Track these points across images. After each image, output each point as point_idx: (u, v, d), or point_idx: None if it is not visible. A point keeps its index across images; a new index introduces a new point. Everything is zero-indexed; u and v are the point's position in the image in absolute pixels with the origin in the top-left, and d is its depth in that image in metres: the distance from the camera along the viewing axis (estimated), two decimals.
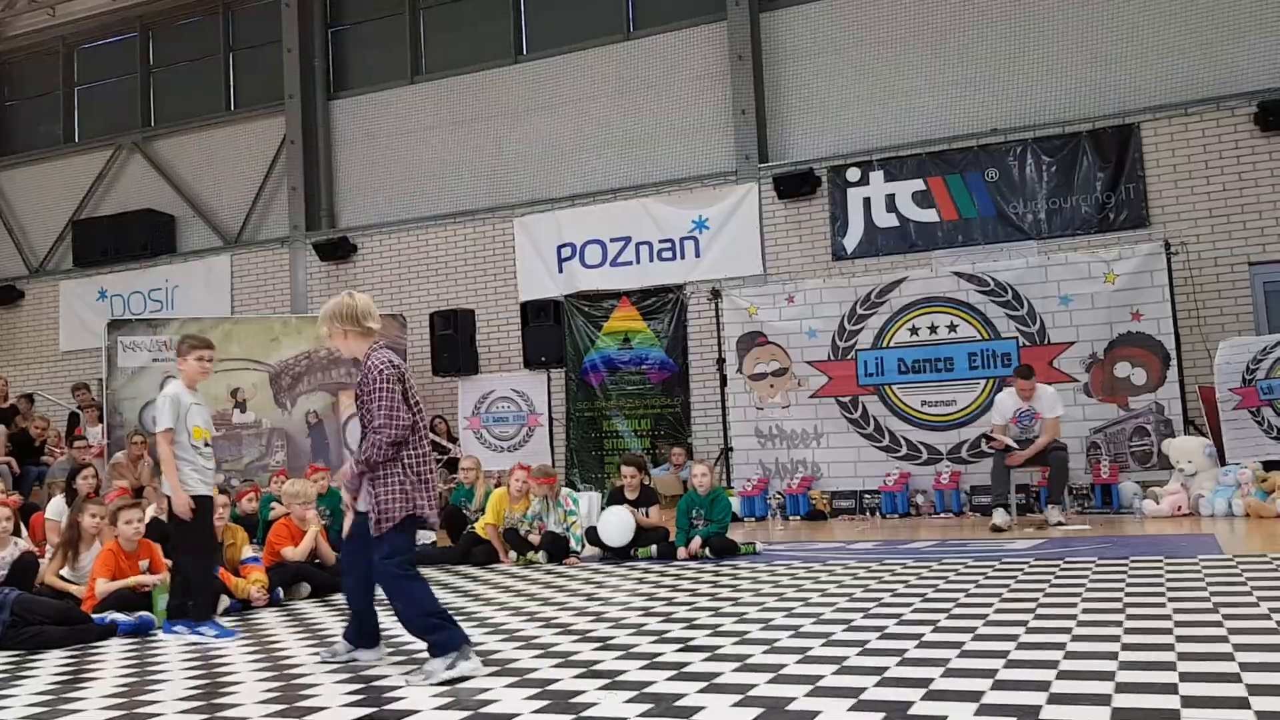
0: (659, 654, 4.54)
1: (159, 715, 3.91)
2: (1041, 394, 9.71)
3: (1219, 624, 4.47)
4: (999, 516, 9.22)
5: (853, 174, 12.34)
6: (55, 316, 16.75)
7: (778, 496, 11.49)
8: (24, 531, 7.81)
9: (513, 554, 8.79)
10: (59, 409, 14.84)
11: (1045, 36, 11.98)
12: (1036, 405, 9.66)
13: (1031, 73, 11.99)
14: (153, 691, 4.40)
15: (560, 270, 13.75)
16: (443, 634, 4.39)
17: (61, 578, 6.67)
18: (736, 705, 3.55)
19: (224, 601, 6.70)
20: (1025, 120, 11.85)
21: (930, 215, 12.00)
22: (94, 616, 6.06)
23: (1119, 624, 4.61)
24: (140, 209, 16.34)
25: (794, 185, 12.48)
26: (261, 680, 4.50)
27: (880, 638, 4.63)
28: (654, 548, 8.49)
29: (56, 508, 8.47)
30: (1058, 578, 6.19)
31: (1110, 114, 11.51)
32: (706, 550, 8.25)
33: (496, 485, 9.68)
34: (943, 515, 10.79)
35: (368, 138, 15.38)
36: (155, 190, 16.53)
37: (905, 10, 12.61)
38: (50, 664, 5.20)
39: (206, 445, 5.97)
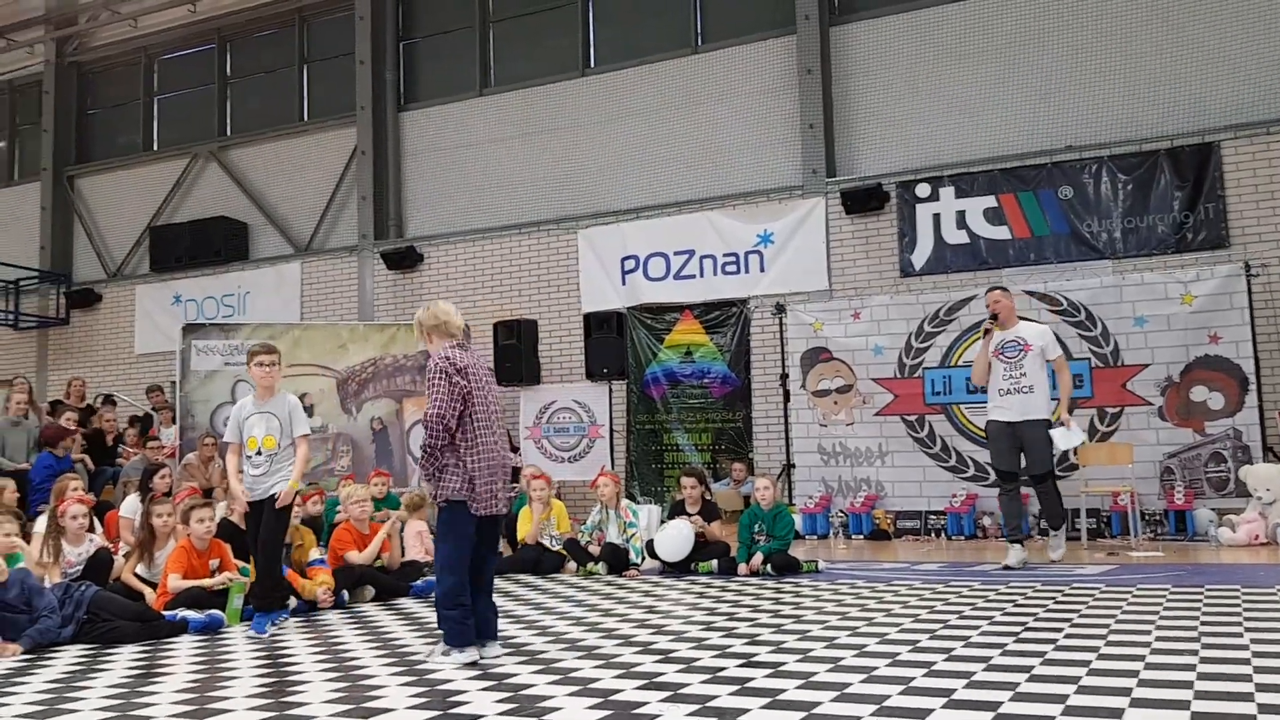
0: (721, 668, 4.52)
1: (229, 711, 3.97)
2: (1026, 326, 8.54)
3: None
4: (1014, 555, 8.12)
5: (922, 189, 12.21)
6: (131, 320, 17.11)
7: (840, 515, 11.39)
8: (99, 529, 7.95)
9: (572, 564, 8.82)
10: (133, 410, 15.14)
11: (1122, 52, 11.78)
12: (1024, 335, 8.33)
13: (1107, 89, 11.79)
14: (223, 688, 4.46)
15: (623, 282, 13.77)
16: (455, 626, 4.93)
17: (138, 576, 6.80)
18: None
19: (291, 602, 6.79)
20: (1101, 137, 11.65)
21: (1002, 232, 11.83)
22: (166, 613, 6.17)
23: (1194, 653, 4.50)
24: (215, 216, 16.65)
25: (862, 200, 12.38)
26: (328, 680, 4.55)
27: (947, 659, 4.57)
28: (715, 562, 8.44)
29: (131, 506, 8.64)
30: (1130, 604, 6.06)
31: (1189, 132, 11.28)
32: (768, 567, 8.20)
33: (556, 496, 9.72)
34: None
35: (436, 149, 15.55)
36: (230, 198, 16.85)
37: (978, 24, 12.48)
38: (124, 659, 5.30)
39: (258, 454, 6.16)
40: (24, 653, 5.48)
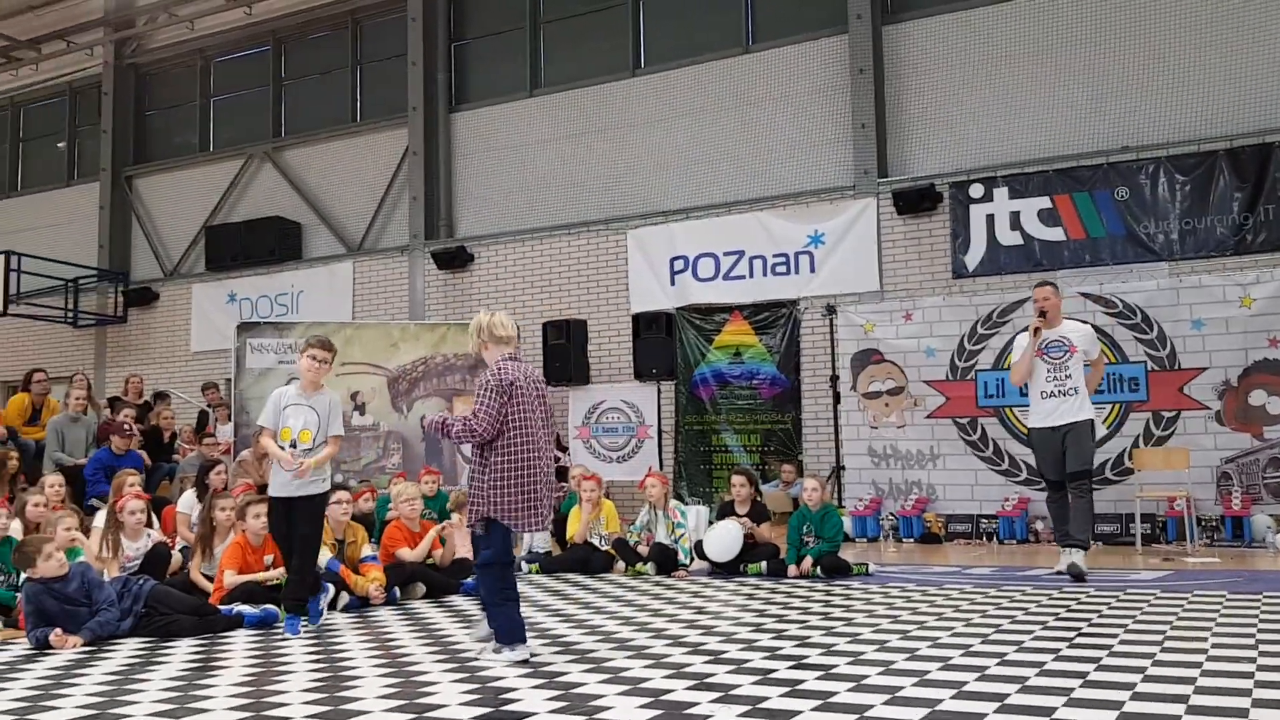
0: (772, 670, 4.51)
1: (285, 705, 4.02)
2: (1071, 326, 8.19)
3: None
4: (1071, 558, 7.55)
5: (976, 190, 12.09)
6: (188, 318, 17.38)
7: (890, 518, 11.32)
8: (155, 524, 8.09)
9: (621, 564, 8.84)
10: (189, 407, 15.38)
11: (1180, 51, 11.58)
12: (1070, 336, 8.00)
13: (1165, 89, 11.60)
14: (279, 682, 4.52)
15: (672, 283, 13.77)
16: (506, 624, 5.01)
17: (202, 574, 6.92)
18: None
19: (343, 598, 6.87)
20: (1158, 138, 11.47)
21: (1056, 234, 11.68)
22: (221, 608, 6.26)
23: (1252, 660, 4.43)
24: (269, 216, 16.87)
25: (914, 201, 12.28)
26: (381, 676, 4.60)
27: (999, 664, 4.53)
28: (764, 564, 8.42)
29: (187, 501, 8.79)
30: (1186, 611, 5.98)
31: (1249, 132, 11.07)
32: (818, 569, 8.16)
33: (606, 496, 9.74)
34: None
35: (486, 149, 15.64)
36: (283, 198, 17.06)
37: (1032, 23, 12.33)
38: (180, 652, 5.39)
39: (292, 446, 6.03)
40: (84, 645, 5.59)
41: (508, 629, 4.98)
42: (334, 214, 16.64)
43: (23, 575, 6.29)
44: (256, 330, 13.19)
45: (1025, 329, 8.21)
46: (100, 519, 7.64)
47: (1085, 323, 8.75)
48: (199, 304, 17.25)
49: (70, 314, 17.46)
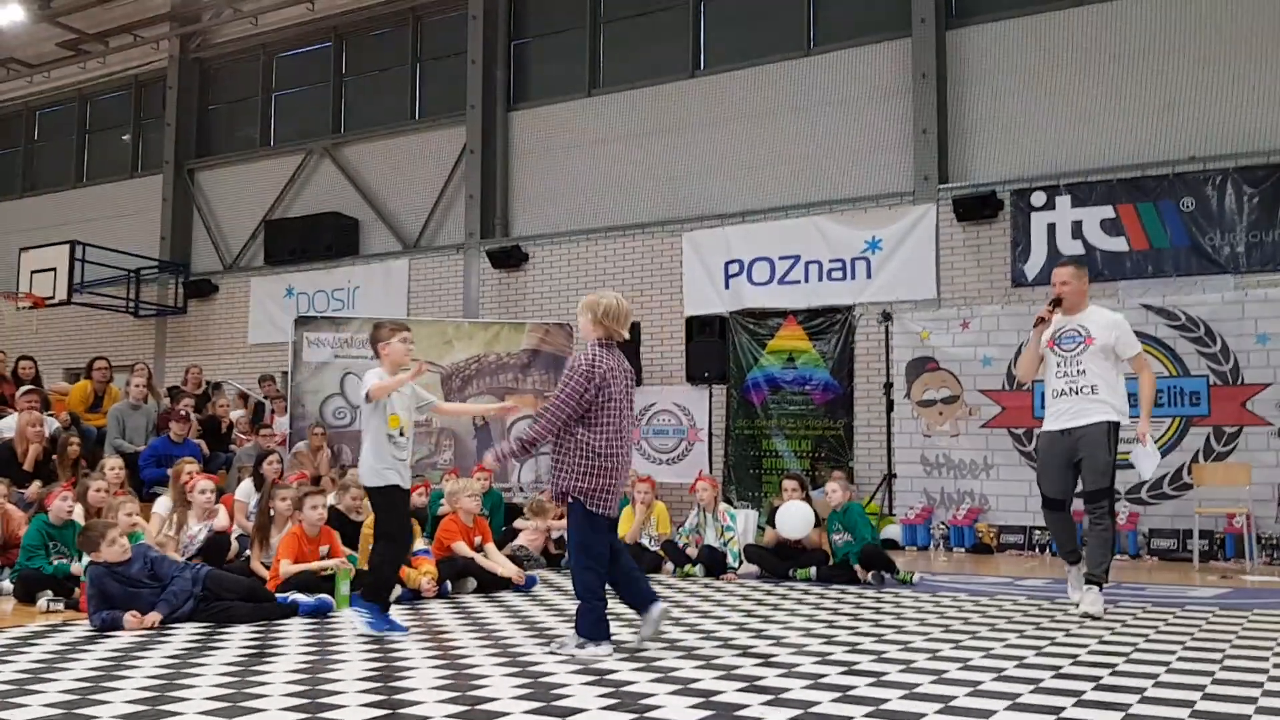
0: (823, 675, 4.49)
1: (340, 693, 4.06)
2: (1095, 314, 6.74)
3: None
4: (1085, 600, 6.46)
5: (1038, 198, 11.94)
6: (246, 311, 17.61)
7: (941, 527, 11.21)
8: (221, 512, 8.16)
9: (669, 565, 8.86)
10: (247, 399, 15.58)
11: (1249, 60, 11.37)
12: (1089, 325, 6.64)
13: (1234, 98, 11.40)
14: (333, 670, 4.57)
15: (727, 286, 13.74)
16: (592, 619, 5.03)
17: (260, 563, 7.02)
18: None
19: (396, 590, 6.92)
20: (1226, 148, 11.27)
21: (1119, 244, 11.51)
22: (277, 596, 6.34)
23: None
24: (327, 211, 17.05)
25: (974, 208, 12.16)
26: (434, 668, 4.63)
27: (1054, 677, 4.48)
28: (813, 569, 8.41)
29: (245, 490, 8.92)
30: (1246, 629, 5.87)
31: None
32: (869, 576, 8.14)
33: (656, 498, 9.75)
34: (1118, 557, 10.32)
35: (544, 149, 15.70)
36: (341, 194, 17.24)
37: (1099, 29, 12.16)
38: (237, 639, 5.47)
39: (401, 435, 5.82)
40: (161, 619, 5.71)
41: (595, 625, 5.04)
42: (391, 211, 16.79)
43: (85, 558, 6.42)
44: (313, 324, 13.34)
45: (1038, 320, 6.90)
46: (162, 504, 7.77)
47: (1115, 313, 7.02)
48: (257, 297, 17.48)
49: (132, 304, 17.77)
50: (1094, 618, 6.20)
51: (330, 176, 17.43)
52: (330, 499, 7.92)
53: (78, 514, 7.29)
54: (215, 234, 18.43)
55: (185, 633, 5.63)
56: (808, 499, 8.98)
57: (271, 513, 7.29)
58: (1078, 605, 6.47)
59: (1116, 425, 6.44)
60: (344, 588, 6.62)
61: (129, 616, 5.69)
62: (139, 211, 18.98)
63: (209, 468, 10.25)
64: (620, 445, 5.18)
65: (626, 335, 5.32)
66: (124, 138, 20.07)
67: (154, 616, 5.74)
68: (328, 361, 12.94)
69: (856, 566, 8.21)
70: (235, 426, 12.48)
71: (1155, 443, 6.67)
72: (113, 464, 8.54)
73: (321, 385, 12.87)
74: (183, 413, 10.68)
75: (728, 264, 13.73)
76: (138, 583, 5.89)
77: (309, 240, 16.88)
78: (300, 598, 6.25)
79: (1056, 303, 6.69)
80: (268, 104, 18.56)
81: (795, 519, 8.46)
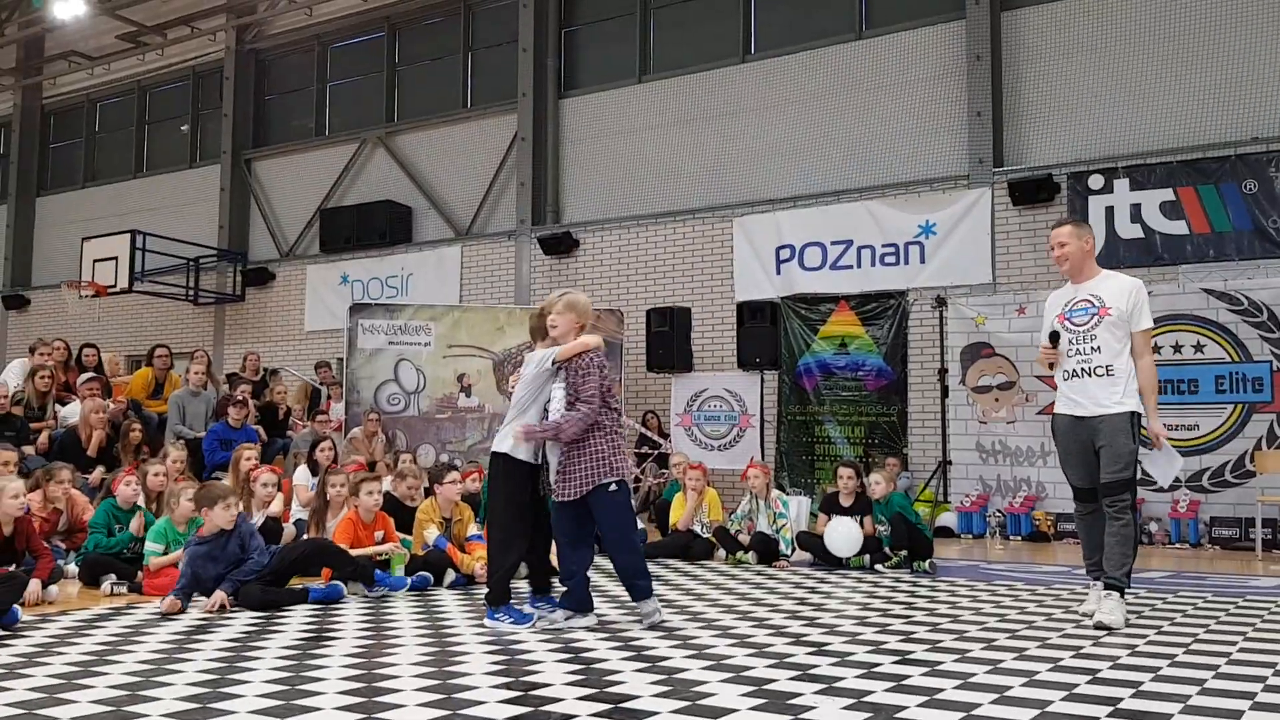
0: (876, 664, 4.47)
1: (396, 678, 4.12)
2: (1110, 280, 5.90)
3: None
4: (1090, 601, 5.82)
5: (1095, 181, 11.74)
6: (302, 298, 17.84)
7: (998, 515, 11.11)
8: (279, 499, 8.28)
9: (721, 552, 8.86)
10: (303, 384, 15.78)
11: None
12: (1103, 293, 5.79)
13: None
14: (389, 654, 4.63)
15: (778, 271, 13.68)
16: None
17: None
18: None
19: (449, 575, 7.00)
20: None
21: (1179, 227, 11.29)
22: (310, 588, 6.36)
23: None
24: (380, 200, 17.20)
25: (1030, 191, 11.99)
26: (488, 654, 4.67)
27: (1112, 668, 4.42)
28: (867, 557, 8.37)
29: (302, 475, 9.03)
30: None
31: None
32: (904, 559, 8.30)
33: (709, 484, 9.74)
34: (1178, 545, 10.18)
35: (595, 135, 15.71)
36: (395, 182, 17.38)
37: (1156, 7, 11.91)
38: (294, 622, 5.55)
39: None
40: (228, 597, 5.94)
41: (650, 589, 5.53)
42: (443, 198, 16.90)
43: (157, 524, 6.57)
44: (368, 311, 13.47)
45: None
46: None
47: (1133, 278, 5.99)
48: (313, 284, 17.69)
49: (191, 292, 18.07)
50: (1110, 629, 5.37)
51: (384, 165, 17.57)
52: (386, 484, 8.01)
53: (142, 498, 7.43)
54: (272, 222, 18.66)
55: (244, 618, 5.73)
56: (863, 488, 8.92)
57: (326, 498, 7.38)
58: (1090, 616, 5.61)
59: (1138, 415, 5.69)
60: (398, 571, 6.70)
61: (207, 604, 5.93)
62: (197, 201, 19.27)
63: (266, 453, 10.39)
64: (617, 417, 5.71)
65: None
66: (183, 128, 20.36)
67: (219, 597, 5.88)
68: (382, 348, 13.06)
69: (886, 548, 8.37)
70: (292, 413, 12.64)
71: (1170, 443, 5.89)
72: (175, 453, 8.70)
73: (376, 371, 13.01)
74: (240, 398, 10.83)
75: (779, 249, 13.67)
76: (230, 561, 6.09)
77: (363, 228, 17.04)
78: (312, 585, 6.32)
79: (1054, 338, 5.87)
80: (322, 94, 18.74)
81: (842, 540, 8.41)
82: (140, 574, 6.63)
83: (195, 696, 3.79)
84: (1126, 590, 5.69)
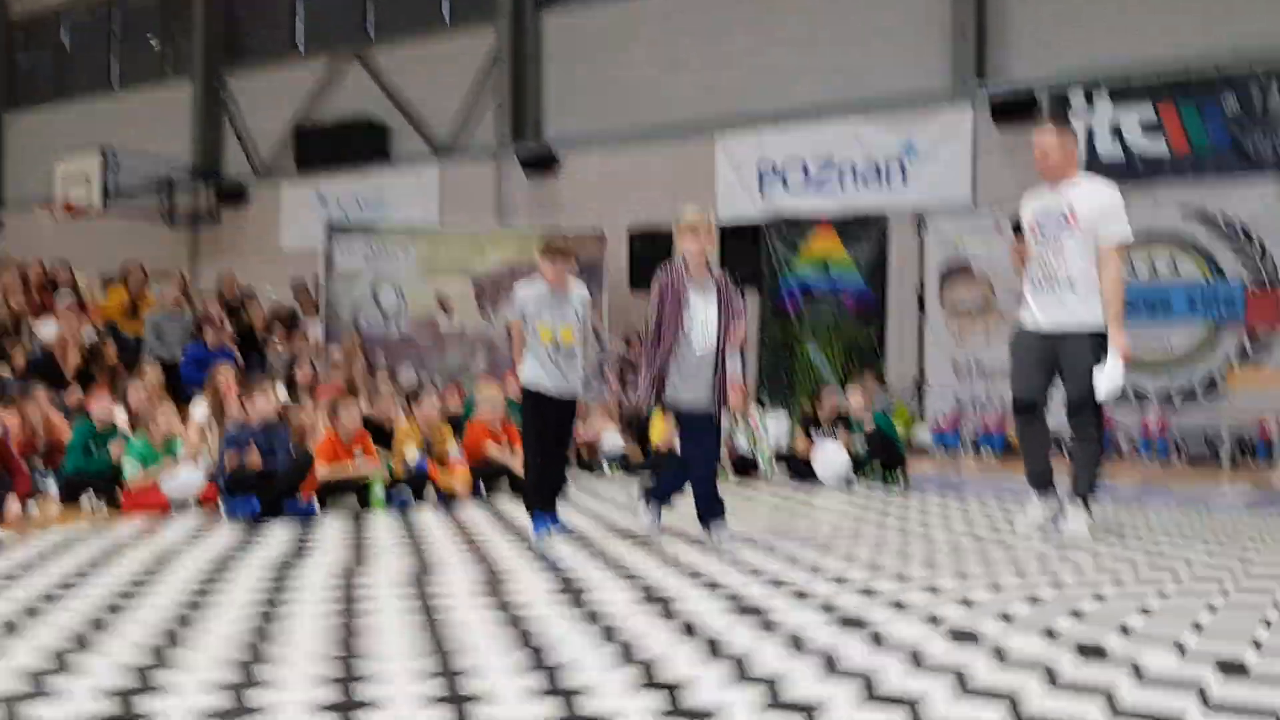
0: (845, 577, 4.56)
1: (373, 595, 4.18)
2: (1084, 186, 5.67)
3: None
4: (1032, 514, 5.88)
5: (1077, 98, 11.70)
6: (278, 218, 17.69)
7: (973, 431, 11.26)
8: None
9: None
10: (280, 305, 15.71)
11: None
12: (1075, 200, 5.58)
13: None
14: (367, 572, 4.70)
15: (760, 192, 13.64)
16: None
17: None
18: (926, 629, 3.54)
19: (430, 493, 7.08)
20: (1272, 45, 10.96)
21: (1158, 146, 11.29)
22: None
23: None
24: (357, 117, 16.99)
25: (1012, 109, 11.93)
26: (467, 568, 4.74)
27: (1075, 575, 4.53)
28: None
29: (201, 413, 8.98)
30: (1272, 532, 5.89)
31: None
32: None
33: None
34: (1147, 460, 10.35)
35: (575, 51, 15.50)
36: (372, 100, 17.14)
37: None
38: (275, 537, 5.62)
39: (555, 346, 5.58)
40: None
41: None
42: (422, 116, 16.70)
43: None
44: (345, 231, 13.41)
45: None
46: (199, 411, 7.91)
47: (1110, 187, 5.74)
48: (289, 204, 17.54)
49: (166, 212, 17.86)
50: (1076, 541, 5.43)
51: (360, 82, 17.31)
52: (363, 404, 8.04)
53: (120, 419, 7.45)
54: (246, 140, 18.42)
55: (228, 531, 5.79)
56: (841, 406, 9.01)
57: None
58: (1028, 529, 5.76)
59: (1104, 335, 5.51)
60: (378, 491, 6.76)
61: (232, 455, 6.27)
62: (170, 119, 18.97)
63: (244, 374, 10.37)
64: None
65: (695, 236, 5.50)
66: (153, 43, 19.96)
67: (256, 455, 6.30)
68: (360, 268, 13.01)
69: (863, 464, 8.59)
70: (269, 333, 12.59)
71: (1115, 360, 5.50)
72: (151, 373, 8.69)
73: (353, 292, 12.98)
74: (217, 319, 10.79)
75: (761, 169, 13.60)
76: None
77: (340, 146, 16.86)
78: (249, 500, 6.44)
79: (1017, 228, 5.76)
80: (296, 8, 18.37)
81: (832, 468, 8.51)
82: (119, 490, 6.67)
83: (176, 614, 3.84)
84: (1092, 502, 5.77)
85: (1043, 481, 5.85)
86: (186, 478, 6.80)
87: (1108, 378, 5.45)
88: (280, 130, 17.96)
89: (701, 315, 5.42)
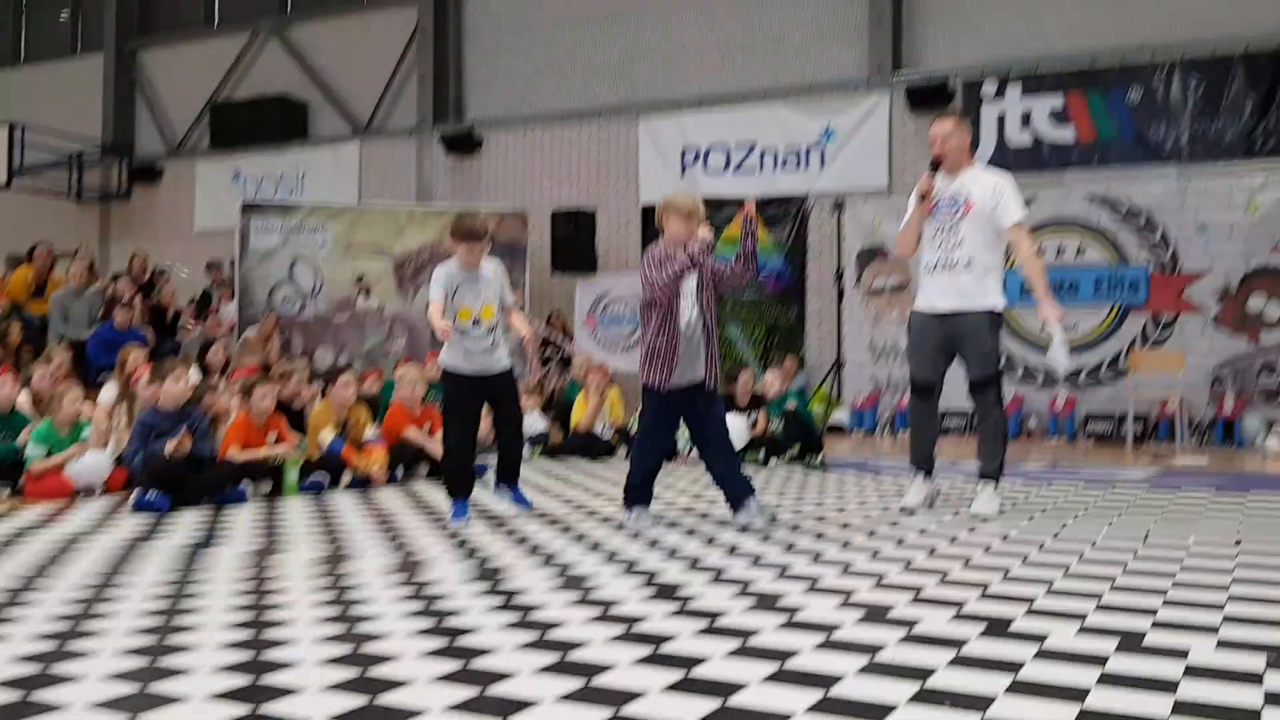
0: (762, 554, 4.63)
1: (287, 578, 4.14)
2: (978, 174, 5.88)
3: None
4: (915, 492, 6.04)
5: (989, 88, 11.93)
6: (192, 196, 17.31)
7: (889, 411, 11.45)
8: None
9: (622, 450, 9.02)
10: (193, 285, 15.42)
11: None
12: (970, 186, 5.76)
13: None
14: (280, 555, 4.65)
15: (683, 174, 13.69)
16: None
17: None
18: (839, 608, 3.61)
19: (346, 477, 7.01)
20: (1175, 39, 11.27)
21: (1066, 134, 11.57)
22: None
23: (1232, 557, 4.54)
24: (275, 94, 16.68)
25: (927, 97, 12.13)
26: (382, 554, 4.72)
27: (985, 553, 4.64)
28: (762, 452, 8.64)
29: (109, 393, 8.85)
30: (1171, 508, 6.09)
31: (1267, 35, 10.88)
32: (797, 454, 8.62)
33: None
34: (1055, 440, 10.64)
35: (499, 31, 15.36)
36: (290, 76, 16.83)
37: None
38: (186, 522, 5.53)
39: (475, 325, 5.57)
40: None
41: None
42: (341, 94, 16.45)
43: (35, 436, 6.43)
44: (261, 210, 13.17)
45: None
46: (108, 392, 7.75)
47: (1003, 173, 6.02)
48: (203, 182, 17.18)
49: (74, 189, 17.38)
50: (986, 520, 5.58)
51: (278, 58, 16.99)
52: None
53: (24, 401, 7.26)
54: (159, 117, 17.98)
55: (133, 519, 5.69)
56: (758, 386, 9.14)
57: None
58: (913, 512, 5.87)
59: (999, 315, 5.77)
60: (292, 474, 6.69)
61: (171, 443, 6.07)
62: (80, 93, 18.44)
63: (155, 356, 10.17)
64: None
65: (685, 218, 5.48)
66: (63, 15, 19.36)
67: (187, 443, 6.14)
68: (276, 248, 12.80)
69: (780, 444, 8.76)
70: (182, 314, 12.37)
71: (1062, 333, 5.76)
72: (59, 353, 8.48)
73: (270, 272, 12.77)
74: (125, 299, 10.55)
75: (684, 152, 13.66)
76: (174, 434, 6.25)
77: (256, 124, 16.54)
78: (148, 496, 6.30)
79: (935, 166, 5.82)
80: None
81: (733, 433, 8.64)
82: (22, 479, 6.51)
83: (78, 601, 3.77)
84: (1000, 480, 5.93)
85: (927, 464, 6.05)
86: (93, 463, 6.65)
87: (1060, 351, 5.69)
88: (195, 106, 17.56)
89: (690, 293, 5.43)
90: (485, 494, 6.19)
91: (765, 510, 5.50)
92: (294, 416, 7.56)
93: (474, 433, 5.79)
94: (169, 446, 6.03)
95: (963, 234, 5.71)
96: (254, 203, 14.11)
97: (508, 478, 5.82)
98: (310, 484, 6.82)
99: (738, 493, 5.54)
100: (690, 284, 5.41)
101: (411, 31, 15.65)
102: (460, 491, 5.60)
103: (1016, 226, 5.71)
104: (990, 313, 5.71)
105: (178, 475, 6.04)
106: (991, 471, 5.86)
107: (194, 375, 8.87)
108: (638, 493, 5.46)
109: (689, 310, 5.40)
